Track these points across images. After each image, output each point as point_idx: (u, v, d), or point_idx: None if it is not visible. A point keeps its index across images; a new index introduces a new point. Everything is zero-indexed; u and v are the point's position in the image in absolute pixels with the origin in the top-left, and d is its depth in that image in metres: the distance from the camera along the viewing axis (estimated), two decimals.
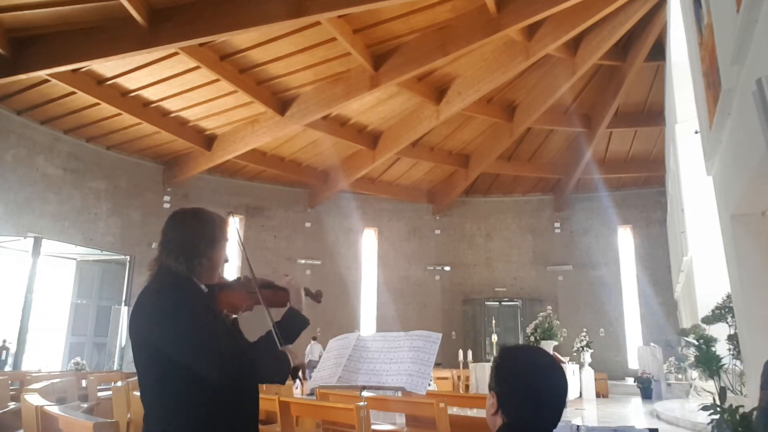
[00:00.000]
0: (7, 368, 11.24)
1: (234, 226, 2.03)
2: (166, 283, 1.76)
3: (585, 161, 17.38)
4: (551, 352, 10.47)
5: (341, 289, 18.14)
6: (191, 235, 1.84)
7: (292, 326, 1.92)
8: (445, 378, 12.66)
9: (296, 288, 2.00)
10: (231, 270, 13.49)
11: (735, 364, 7.41)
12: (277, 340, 1.81)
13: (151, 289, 1.77)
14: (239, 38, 10.88)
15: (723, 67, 4.15)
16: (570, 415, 10.11)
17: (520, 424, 1.41)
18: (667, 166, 14.92)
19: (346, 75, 12.77)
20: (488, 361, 13.67)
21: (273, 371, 1.80)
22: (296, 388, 9.09)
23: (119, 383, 5.83)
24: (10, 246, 12.13)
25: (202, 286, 1.83)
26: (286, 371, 1.81)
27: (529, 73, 14.42)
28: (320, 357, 4.48)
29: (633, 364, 16.94)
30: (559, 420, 1.44)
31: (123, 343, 14.32)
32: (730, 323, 7.48)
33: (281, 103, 13.51)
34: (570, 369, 12.16)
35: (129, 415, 4.84)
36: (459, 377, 13.29)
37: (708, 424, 4.24)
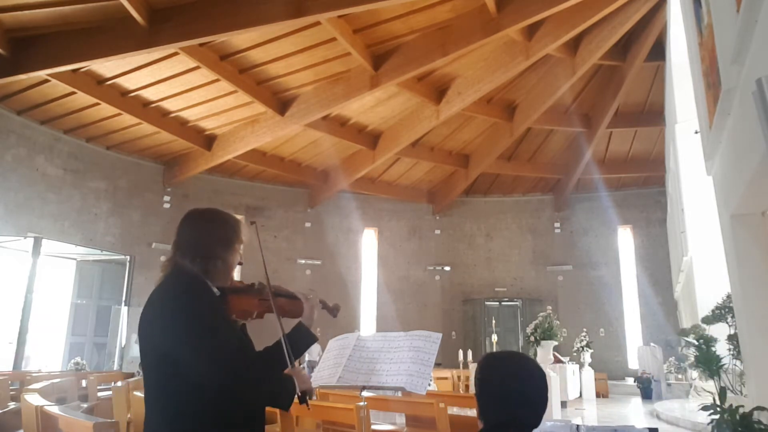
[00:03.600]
0: None
1: (255, 234, 1.97)
2: (179, 284, 1.72)
3: (585, 161, 17.38)
4: (551, 352, 10.49)
5: (341, 289, 18.09)
6: (207, 236, 1.81)
7: (300, 341, 1.85)
8: (445, 378, 12.64)
9: (312, 303, 1.95)
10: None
11: (735, 364, 7.41)
12: (287, 355, 1.73)
13: (162, 290, 1.73)
14: (239, 38, 10.88)
15: (723, 67, 4.14)
16: (570, 415, 10.12)
17: (495, 429, 1.47)
18: (667, 166, 14.91)
19: (346, 75, 12.77)
20: None
21: (276, 392, 1.74)
22: None
23: (119, 383, 5.82)
24: (10, 246, 12.12)
25: (215, 289, 1.79)
26: (289, 395, 1.74)
27: (529, 73, 14.41)
28: (320, 357, 4.48)
29: (633, 364, 16.93)
30: (537, 421, 1.46)
31: (123, 343, 14.31)
32: (730, 323, 7.48)
33: (281, 103, 13.50)
34: (570, 369, 12.16)
35: (129, 415, 4.84)
36: (459, 377, 13.27)
37: (708, 424, 4.24)
